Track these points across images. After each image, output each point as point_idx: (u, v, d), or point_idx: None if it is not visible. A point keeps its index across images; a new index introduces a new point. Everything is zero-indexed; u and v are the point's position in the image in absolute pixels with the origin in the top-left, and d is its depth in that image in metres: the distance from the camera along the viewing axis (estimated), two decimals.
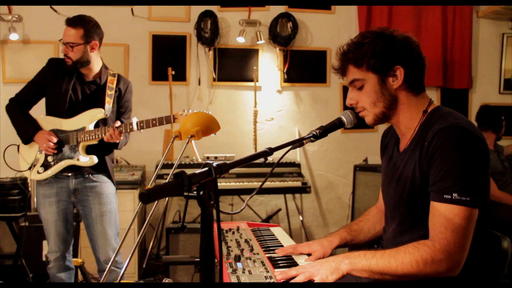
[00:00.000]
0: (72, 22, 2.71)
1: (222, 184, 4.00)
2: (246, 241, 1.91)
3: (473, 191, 1.42)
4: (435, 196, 1.47)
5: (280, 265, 1.67)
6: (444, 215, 1.43)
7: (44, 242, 3.62)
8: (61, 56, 2.79)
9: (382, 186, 1.86)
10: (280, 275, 1.51)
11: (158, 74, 4.60)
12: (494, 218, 3.62)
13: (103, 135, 2.72)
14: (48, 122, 2.84)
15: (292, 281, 1.48)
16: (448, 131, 1.47)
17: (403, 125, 1.67)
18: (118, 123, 2.72)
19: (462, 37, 4.96)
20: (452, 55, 4.97)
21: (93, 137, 2.74)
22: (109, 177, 2.90)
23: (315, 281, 1.47)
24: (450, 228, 1.42)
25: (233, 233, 2.04)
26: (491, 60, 5.20)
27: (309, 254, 1.82)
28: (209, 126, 1.80)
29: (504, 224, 3.56)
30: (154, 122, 2.66)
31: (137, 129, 2.68)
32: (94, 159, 2.78)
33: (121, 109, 2.92)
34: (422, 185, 1.54)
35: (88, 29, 2.73)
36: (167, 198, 4.15)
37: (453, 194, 1.42)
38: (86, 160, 2.78)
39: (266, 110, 4.82)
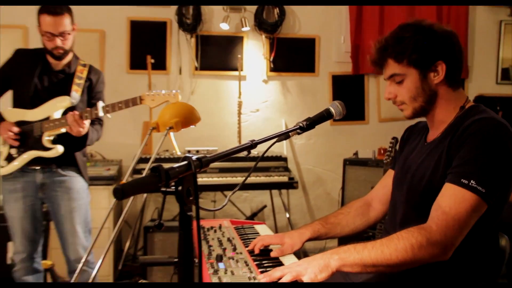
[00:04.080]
0: (58, 9, 2.68)
1: (204, 179, 3.99)
2: (228, 239, 1.91)
3: (491, 186, 1.47)
4: (452, 178, 1.51)
5: (265, 265, 1.67)
6: (454, 197, 1.48)
7: (9, 244, 3.57)
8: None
9: (394, 180, 1.89)
10: (264, 278, 1.49)
11: (137, 63, 4.55)
12: None
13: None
14: (13, 114, 2.82)
15: (279, 281, 1.46)
16: (486, 122, 1.53)
17: (438, 119, 1.73)
18: (76, 113, 2.67)
19: (457, 24, 4.98)
20: None
21: (58, 125, 2.71)
22: (79, 171, 2.87)
23: (303, 281, 1.46)
24: (454, 211, 1.46)
25: (215, 231, 2.05)
26: (488, 49, 5.24)
27: None
28: (188, 117, 1.79)
29: (503, 222, 3.61)
30: (120, 105, 2.64)
31: (103, 113, 2.66)
32: (59, 149, 2.74)
33: (93, 101, 2.89)
34: (442, 177, 1.56)
35: (71, 14, 2.75)
36: (144, 195, 4.13)
37: (471, 181, 1.47)
38: (51, 150, 2.74)
39: (251, 101, 4.82)
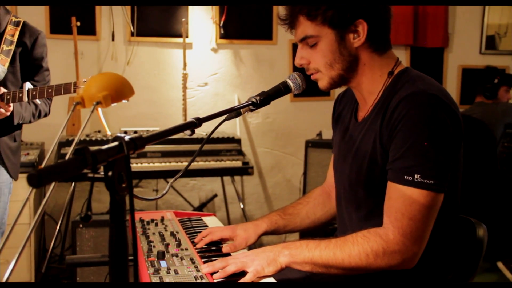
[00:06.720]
0: None
1: (144, 165, 3.97)
2: (172, 234, 1.93)
3: (439, 173, 1.47)
4: (394, 176, 1.51)
5: (214, 261, 1.68)
6: (402, 199, 1.48)
7: None
8: None
9: (334, 163, 1.92)
10: (206, 267, 1.55)
11: (58, 25, 4.44)
12: None
13: None
14: None
15: (222, 272, 1.52)
16: (415, 98, 1.50)
17: (364, 89, 1.70)
18: (1, 90, 2.53)
19: None
20: (425, 7, 5.09)
21: None
22: (2, 161, 2.73)
23: (248, 273, 1.51)
24: (408, 215, 1.47)
25: (156, 224, 2.06)
26: (472, 13, 5.36)
27: None
28: (120, 90, 1.75)
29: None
30: (49, 90, 2.53)
31: (29, 98, 2.55)
32: None
33: (31, 70, 2.74)
34: (384, 162, 1.58)
35: None
36: (72, 184, 4.06)
37: (415, 176, 1.46)
38: None
39: (198, 73, 4.80)
